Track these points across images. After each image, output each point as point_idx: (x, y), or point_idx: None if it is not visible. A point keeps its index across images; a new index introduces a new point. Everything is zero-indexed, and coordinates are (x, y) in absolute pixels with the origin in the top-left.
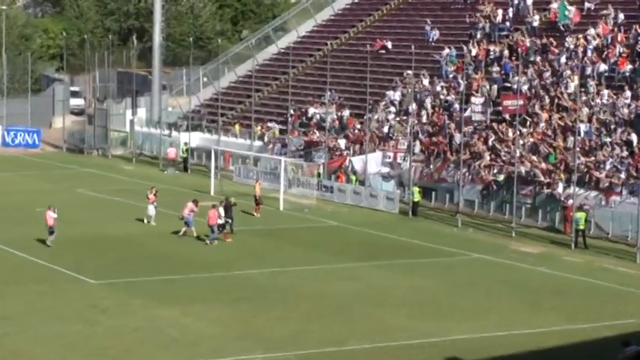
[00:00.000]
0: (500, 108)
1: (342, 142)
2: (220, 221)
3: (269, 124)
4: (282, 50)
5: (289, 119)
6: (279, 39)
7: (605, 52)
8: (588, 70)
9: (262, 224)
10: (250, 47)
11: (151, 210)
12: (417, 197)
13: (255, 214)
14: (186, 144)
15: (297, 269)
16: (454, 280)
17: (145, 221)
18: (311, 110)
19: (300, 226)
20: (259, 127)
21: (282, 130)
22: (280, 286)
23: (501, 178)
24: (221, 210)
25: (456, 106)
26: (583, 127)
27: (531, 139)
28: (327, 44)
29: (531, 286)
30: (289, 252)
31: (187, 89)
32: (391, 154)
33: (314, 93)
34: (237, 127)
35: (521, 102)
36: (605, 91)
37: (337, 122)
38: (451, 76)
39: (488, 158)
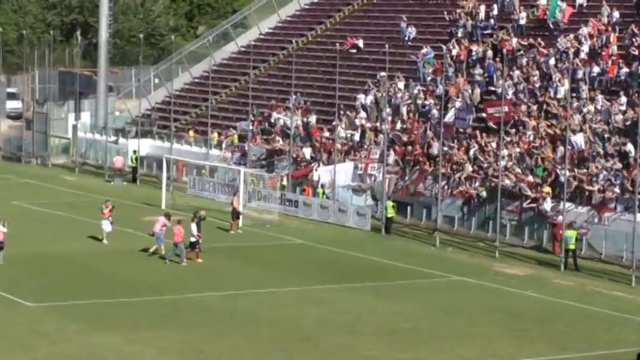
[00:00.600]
0: (484, 115)
1: (307, 152)
2: (192, 239)
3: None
4: (243, 49)
5: (250, 125)
6: (238, 36)
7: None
8: (580, 74)
9: (219, 242)
10: (207, 45)
11: (106, 226)
12: (390, 213)
13: (233, 230)
14: (135, 152)
15: (256, 292)
16: (432, 304)
17: (102, 239)
18: (274, 115)
19: (261, 244)
20: (216, 134)
21: (241, 137)
22: (238, 310)
23: (484, 192)
24: (193, 226)
25: (435, 111)
26: (580, 138)
27: (517, 150)
28: (292, 42)
29: (517, 312)
30: (248, 273)
31: (137, 91)
32: (362, 165)
33: (277, 96)
34: (191, 133)
35: (506, 109)
36: (599, 97)
37: (303, 129)
38: (429, 78)
39: (470, 170)
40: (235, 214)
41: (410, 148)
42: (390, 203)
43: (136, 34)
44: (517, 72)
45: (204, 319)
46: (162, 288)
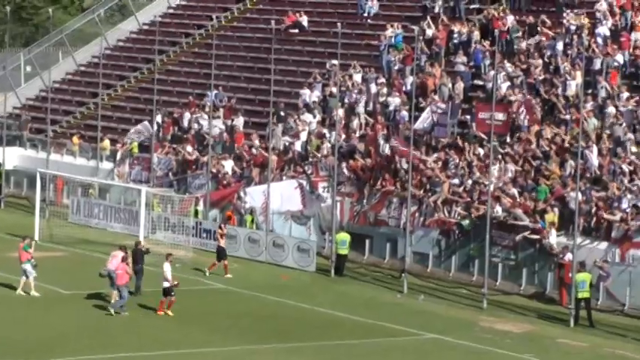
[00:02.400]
0: (469, 118)
1: (228, 165)
2: (166, 283)
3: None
4: (145, 27)
5: (154, 129)
6: (140, 10)
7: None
8: (597, 64)
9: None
10: (97, 22)
11: (30, 270)
12: (343, 249)
13: (228, 274)
14: None
15: (162, 354)
16: None
17: (20, 290)
18: (187, 116)
19: None
20: (108, 142)
21: (143, 145)
22: None
23: (468, 221)
24: (167, 267)
25: (404, 113)
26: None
27: (512, 166)
28: (212, 19)
29: None
30: (151, 328)
31: (1, 82)
32: (306, 184)
33: (192, 91)
34: (75, 140)
35: (502, 116)
36: (623, 95)
37: (227, 135)
38: (396, 68)
39: (448, 191)
40: (220, 252)
41: (369, 161)
42: (343, 236)
43: (0, 8)
44: (512, 61)
45: None
46: (34, 349)
